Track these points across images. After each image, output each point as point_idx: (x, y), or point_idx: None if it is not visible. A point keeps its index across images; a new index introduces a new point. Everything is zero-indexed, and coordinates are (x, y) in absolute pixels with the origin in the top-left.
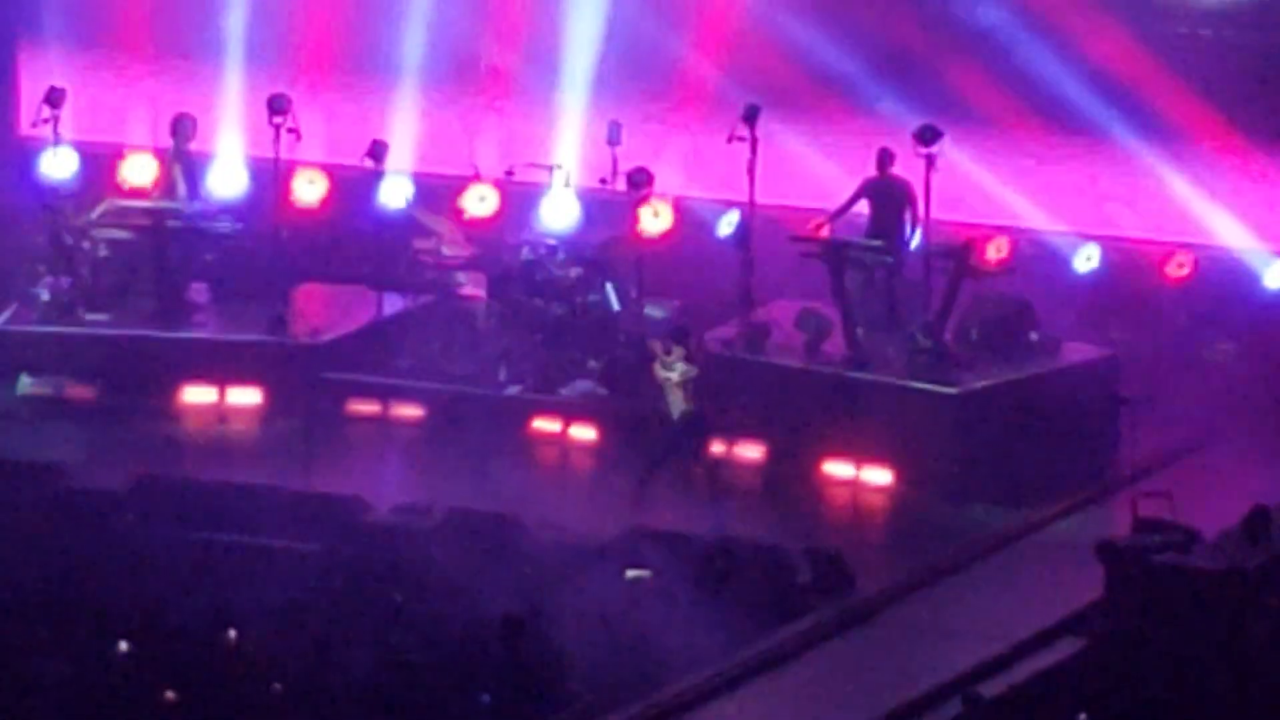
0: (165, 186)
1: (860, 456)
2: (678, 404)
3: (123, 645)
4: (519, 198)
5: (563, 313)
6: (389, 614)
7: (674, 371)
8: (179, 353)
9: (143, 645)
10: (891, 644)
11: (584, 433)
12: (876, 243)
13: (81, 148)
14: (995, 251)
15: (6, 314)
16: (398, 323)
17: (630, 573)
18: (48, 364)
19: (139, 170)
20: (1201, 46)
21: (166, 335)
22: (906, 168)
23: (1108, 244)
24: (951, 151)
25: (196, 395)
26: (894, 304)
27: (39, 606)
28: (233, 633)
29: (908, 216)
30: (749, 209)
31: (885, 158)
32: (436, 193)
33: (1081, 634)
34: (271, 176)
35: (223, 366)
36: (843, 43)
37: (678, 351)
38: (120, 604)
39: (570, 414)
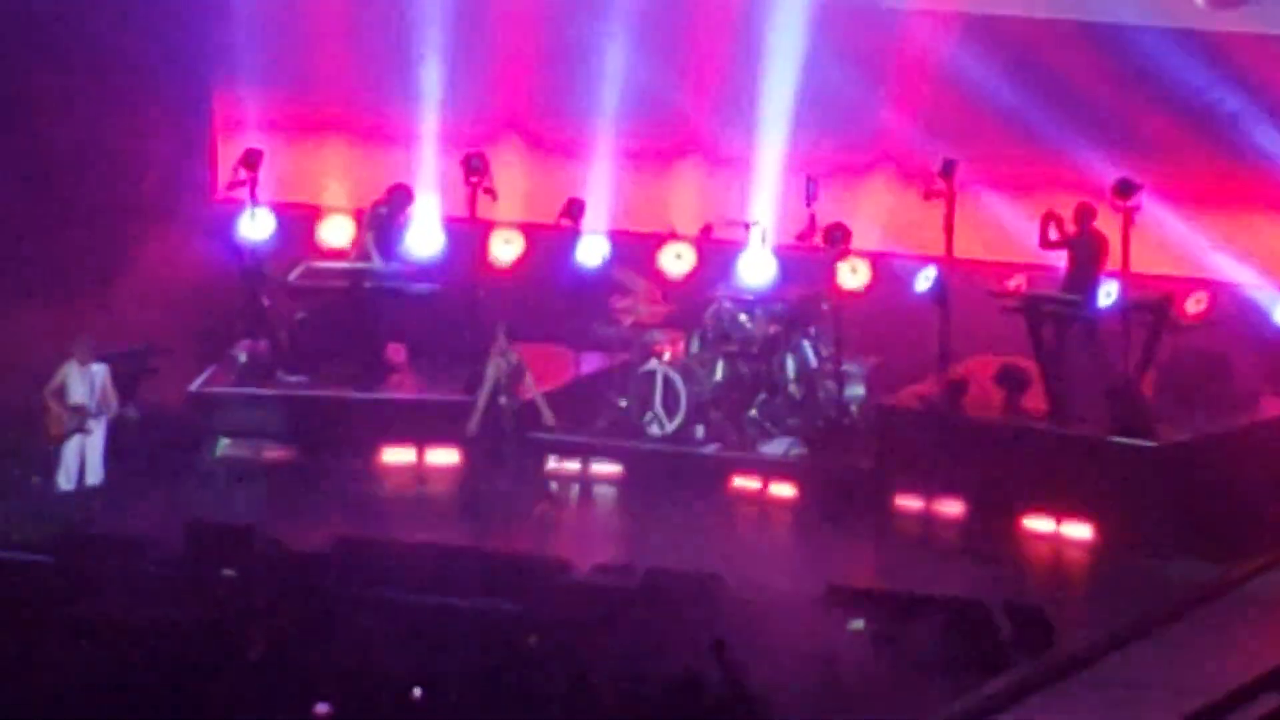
0: (361, 248)
1: (1060, 511)
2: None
3: (320, 708)
4: (716, 255)
5: (760, 370)
6: (583, 673)
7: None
8: (377, 413)
9: (342, 706)
10: (1093, 700)
11: (783, 490)
12: (1074, 297)
13: (278, 209)
14: (1194, 305)
15: (204, 376)
16: (595, 381)
17: (853, 624)
18: (246, 426)
19: (336, 232)
20: None
21: (364, 396)
22: (1104, 221)
23: None
24: (1150, 205)
25: (395, 456)
26: (1092, 358)
27: (238, 666)
28: (417, 691)
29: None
30: (946, 264)
31: (1086, 213)
32: (633, 251)
33: None
34: (468, 236)
35: (421, 426)
36: (1038, 96)
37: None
38: (319, 664)
39: (769, 472)
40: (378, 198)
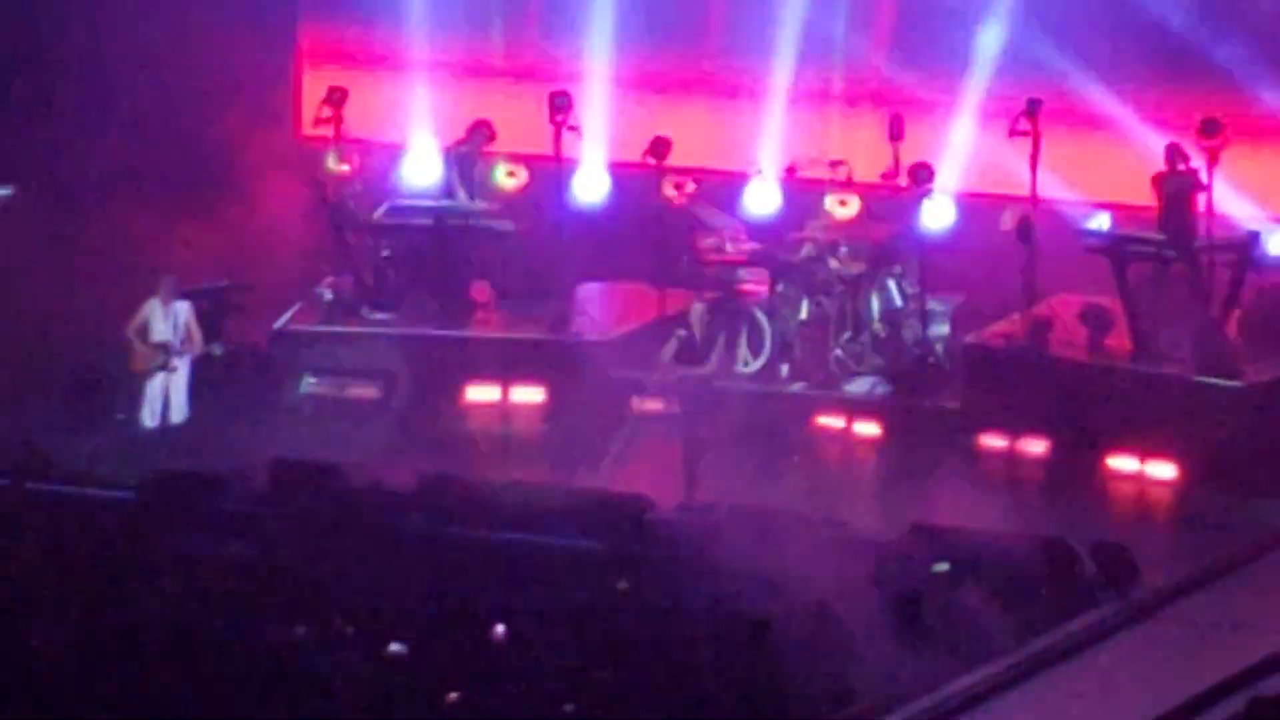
0: (445, 185)
1: (1144, 451)
2: None
3: (394, 647)
4: (801, 194)
5: (845, 309)
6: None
7: None
8: (462, 351)
9: (424, 645)
10: (1177, 639)
11: (867, 429)
12: (1159, 236)
13: (362, 147)
14: (1279, 244)
15: (289, 313)
16: (679, 319)
17: (937, 566)
18: (331, 364)
19: (420, 169)
20: None
21: (449, 334)
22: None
23: None
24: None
25: (480, 394)
26: (1177, 298)
27: (319, 605)
28: (501, 628)
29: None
30: (1031, 203)
31: (1174, 153)
32: (718, 189)
33: None
34: (553, 175)
35: (506, 365)
36: (1120, 32)
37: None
38: (405, 604)
39: (854, 410)
40: (460, 135)
